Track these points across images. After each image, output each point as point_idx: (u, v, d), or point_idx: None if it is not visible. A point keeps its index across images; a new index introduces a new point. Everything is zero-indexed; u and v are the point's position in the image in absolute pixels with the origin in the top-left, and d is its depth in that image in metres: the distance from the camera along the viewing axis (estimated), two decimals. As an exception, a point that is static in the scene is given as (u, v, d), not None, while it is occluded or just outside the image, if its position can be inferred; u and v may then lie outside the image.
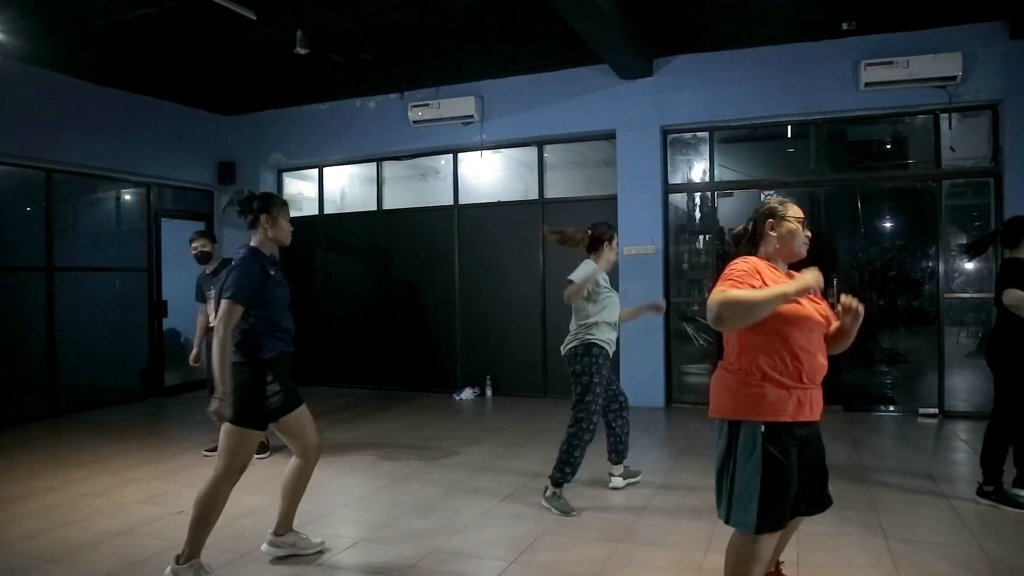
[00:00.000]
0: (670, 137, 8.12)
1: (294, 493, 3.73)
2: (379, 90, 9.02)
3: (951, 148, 7.29)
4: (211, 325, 5.84)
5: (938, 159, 7.33)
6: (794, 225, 2.88)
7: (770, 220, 2.92)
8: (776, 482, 2.57)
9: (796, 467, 2.63)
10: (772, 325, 2.64)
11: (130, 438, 6.75)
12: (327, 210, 9.88)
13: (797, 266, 2.80)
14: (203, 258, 6.00)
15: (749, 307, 2.55)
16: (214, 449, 5.85)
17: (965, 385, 7.39)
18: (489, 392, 8.65)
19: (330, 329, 9.32)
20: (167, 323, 9.33)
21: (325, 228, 9.76)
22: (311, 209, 10.01)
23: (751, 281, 2.65)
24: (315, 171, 9.92)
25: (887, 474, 5.21)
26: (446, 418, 7.55)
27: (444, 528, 4.17)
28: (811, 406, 2.68)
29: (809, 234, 2.91)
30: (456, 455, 5.93)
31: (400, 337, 9.14)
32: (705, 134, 8.00)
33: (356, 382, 9.21)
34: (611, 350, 4.70)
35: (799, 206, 2.94)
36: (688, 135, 8.16)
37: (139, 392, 8.91)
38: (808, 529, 4.01)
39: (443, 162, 9.27)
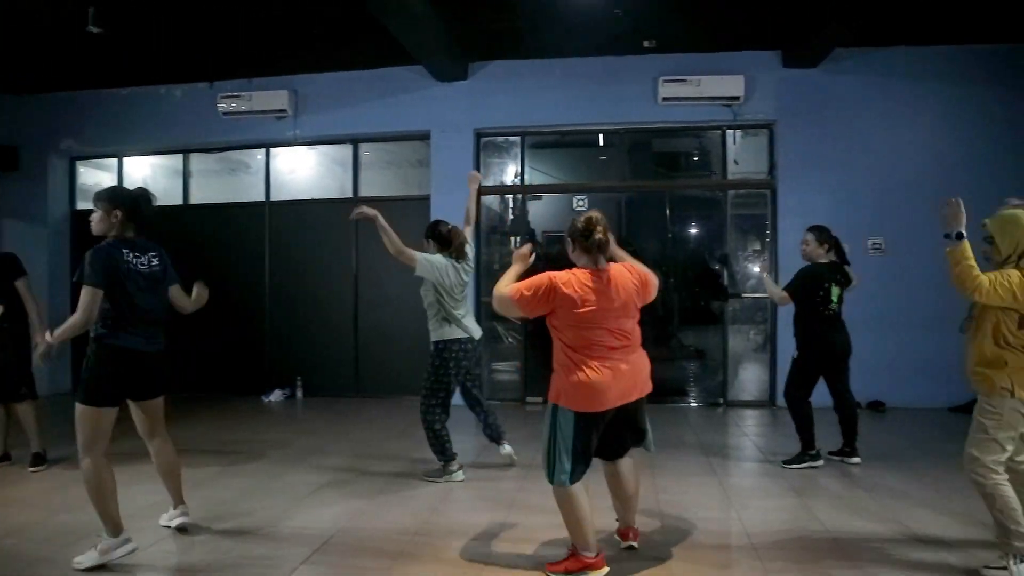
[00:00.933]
0: (483, 140, 8.30)
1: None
2: (186, 78, 8.54)
3: (735, 161, 7.98)
4: None
5: (725, 171, 7.99)
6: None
7: (570, 239, 3.41)
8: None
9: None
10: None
11: None
12: (127, 203, 9.20)
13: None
14: None
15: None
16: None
17: (746, 377, 8.08)
18: (300, 393, 8.42)
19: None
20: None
21: (124, 222, 9.08)
22: (109, 201, 9.28)
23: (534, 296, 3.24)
24: (114, 161, 9.22)
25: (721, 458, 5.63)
26: (253, 421, 7.26)
27: (242, 528, 4.03)
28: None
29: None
30: (261, 457, 5.71)
31: (205, 339, 8.63)
32: (517, 138, 8.25)
33: (157, 386, 8.64)
34: None
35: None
36: (501, 139, 8.37)
37: None
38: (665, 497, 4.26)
39: (249, 156, 8.92)
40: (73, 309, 3.52)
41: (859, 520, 4.04)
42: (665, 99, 7.64)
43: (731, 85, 7.54)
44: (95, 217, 3.69)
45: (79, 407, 3.54)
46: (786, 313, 7.65)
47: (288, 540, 3.85)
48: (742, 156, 8.03)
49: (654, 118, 7.89)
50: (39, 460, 5.34)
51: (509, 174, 8.46)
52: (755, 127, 7.94)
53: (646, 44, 7.71)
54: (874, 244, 7.46)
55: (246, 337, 8.66)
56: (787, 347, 7.56)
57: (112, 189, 3.91)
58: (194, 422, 7.14)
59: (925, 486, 4.70)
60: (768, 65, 7.70)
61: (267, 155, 8.71)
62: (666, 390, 8.09)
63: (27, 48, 7.64)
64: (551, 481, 3.23)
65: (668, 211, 8.31)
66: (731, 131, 7.95)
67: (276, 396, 8.31)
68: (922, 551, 3.57)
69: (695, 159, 8.55)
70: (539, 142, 8.44)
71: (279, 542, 3.83)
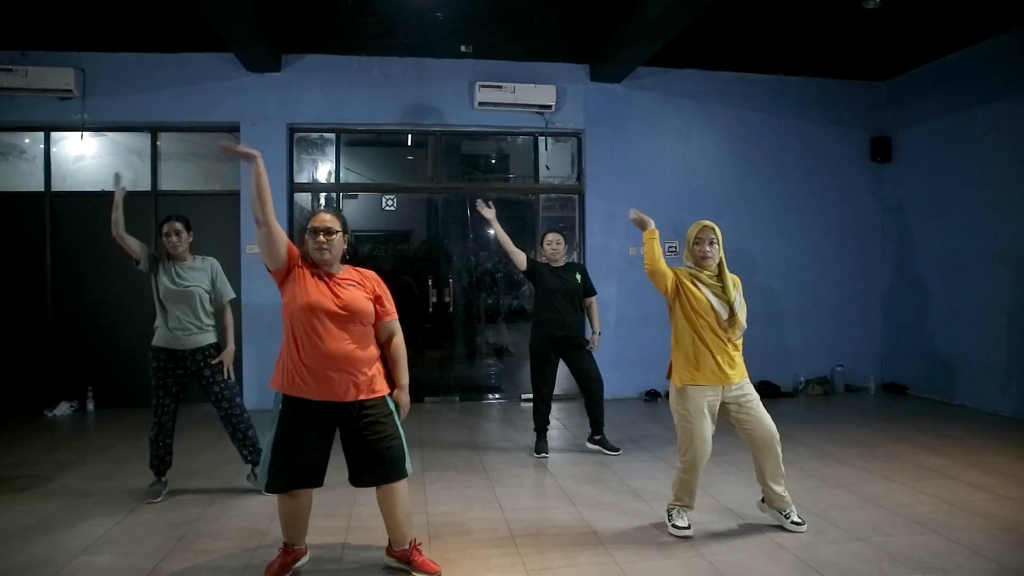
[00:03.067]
0: (297, 135, 8.03)
1: None
2: (-59, 45, 7.43)
3: (546, 167, 8.39)
4: None
5: (536, 175, 8.38)
6: (308, 237, 3.32)
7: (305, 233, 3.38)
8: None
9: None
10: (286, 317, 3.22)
11: None
12: None
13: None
14: None
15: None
16: None
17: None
18: (91, 405, 7.63)
19: None
20: None
21: None
22: None
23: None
24: None
25: (498, 453, 5.84)
26: (36, 439, 6.44)
27: (45, 565, 3.60)
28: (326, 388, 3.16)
29: (323, 239, 3.24)
30: (51, 481, 5.11)
31: (-30, 345, 7.63)
32: (332, 135, 8.08)
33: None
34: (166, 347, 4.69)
35: (328, 214, 3.34)
36: (315, 135, 8.15)
37: None
38: (435, 509, 4.35)
39: (28, 140, 7.94)
40: None
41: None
42: (481, 104, 7.85)
43: (544, 94, 7.91)
44: None
45: None
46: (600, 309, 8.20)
47: (105, 571, 3.56)
48: (553, 162, 8.45)
49: (470, 122, 8.08)
50: None
51: (323, 172, 8.26)
52: (565, 135, 8.40)
53: (463, 49, 7.88)
54: (670, 247, 8.17)
55: (22, 345, 7.69)
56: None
57: None
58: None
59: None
60: (577, 77, 8.18)
61: (47, 139, 7.78)
62: (478, 387, 8.38)
63: None
64: (410, 471, 3.38)
65: (472, 212, 8.53)
66: (543, 137, 8.34)
67: (62, 409, 7.47)
68: (730, 528, 4.04)
69: (508, 163, 8.86)
70: (354, 140, 8.32)
71: (95, 574, 3.54)
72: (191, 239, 4.73)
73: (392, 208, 8.25)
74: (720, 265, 3.89)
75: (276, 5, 6.79)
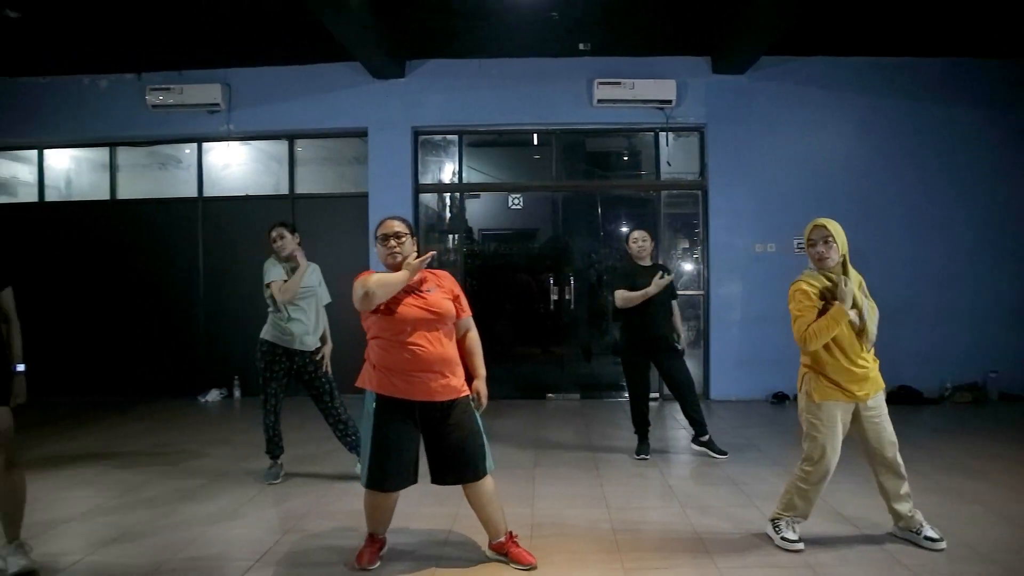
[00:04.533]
0: (421, 138, 8.33)
1: None
2: (112, 68, 8.27)
3: (668, 163, 8.24)
4: None
5: (658, 172, 8.24)
6: (378, 244, 3.39)
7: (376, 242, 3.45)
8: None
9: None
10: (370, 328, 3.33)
11: None
12: (49, 197, 8.85)
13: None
14: None
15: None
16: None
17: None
18: (237, 392, 8.30)
19: (51, 332, 8.35)
20: None
21: (46, 218, 8.74)
22: (29, 195, 8.90)
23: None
24: (33, 152, 8.85)
25: (613, 452, 5.79)
26: (189, 422, 7.14)
27: (184, 535, 3.96)
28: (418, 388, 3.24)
29: (393, 244, 3.31)
30: (198, 459, 5.65)
31: (137, 338, 8.45)
32: (455, 137, 8.31)
33: (85, 390, 8.37)
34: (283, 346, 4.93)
35: (394, 220, 3.41)
36: (438, 137, 8.42)
37: None
38: (540, 505, 4.39)
39: (186, 151, 8.72)
40: None
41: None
42: (600, 101, 7.82)
43: (664, 89, 7.78)
44: None
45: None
46: (720, 308, 8.02)
47: (235, 543, 3.86)
48: (674, 157, 8.29)
49: (589, 119, 8.07)
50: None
51: (447, 172, 8.51)
52: (686, 130, 8.21)
53: (581, 47, 7.88)
54: (799, 244, 7.80)
55: (180, 336, 8.48)
56: (720, 342, 7.97)
57: None
58: (127, 423, 7.01)
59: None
60: (698, 70, 7.97)
61: (199, 149, 8.52)
62: (600, 385, 8.34)
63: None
64: (491, 468, 3.44)
65: (602, 211, 8.53)
66: (664, 133, 8.20)
67: (213, 396, 8.18)
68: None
69: (629, 160, 8.77)
70: (476, 141, 8.52)
71: (226, 546, 3.84)
72: (297, 240, 4.99)
73: (519, 207, 8.38)
74: (844, 265, 3.64)
75: (396, 15, 7.07)
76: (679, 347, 5.64)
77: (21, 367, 3.49)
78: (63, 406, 7.76)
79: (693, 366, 8.31)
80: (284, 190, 8.40)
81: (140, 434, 6.61)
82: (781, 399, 7.80)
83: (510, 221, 8.58)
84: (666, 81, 7.78)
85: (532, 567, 3.42)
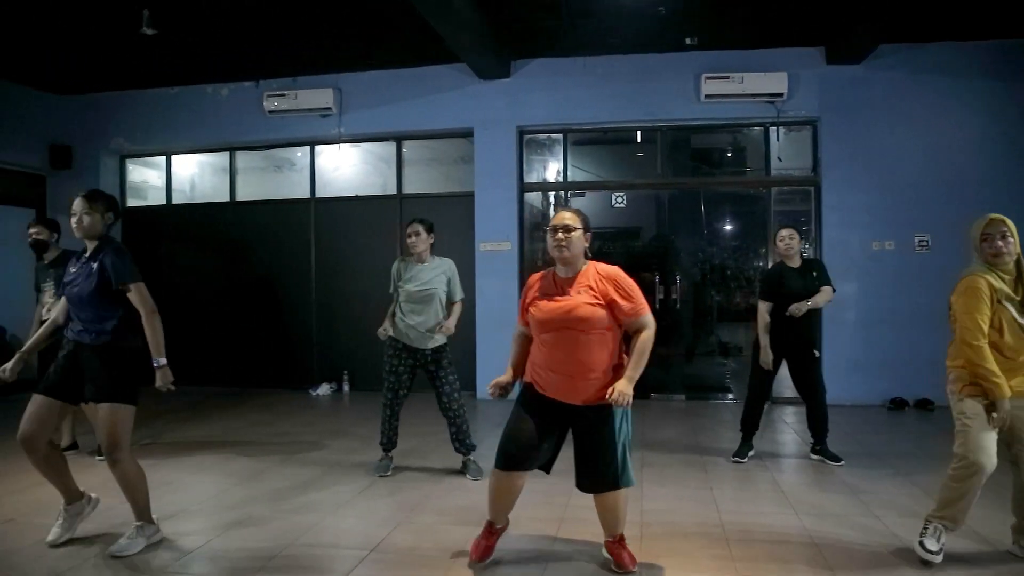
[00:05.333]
0: (526, 137, 8.37)
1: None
2: (233, 77, 8.72)
3: (779, 159, 7.98)
4: (44, 319, 5.53)
5: (768, 168, 8.00)
6: (548, 235, 3.28)
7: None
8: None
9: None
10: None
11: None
12: (175, 200, 9.42)
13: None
14: (38, 246, 5.57)
15: None
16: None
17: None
18: (347, 387, 8.58)
19: (176, 324, 8.82)
20: (-9, 318, 8.58)
21: (173, 219, 9.30)
22: (158, 199, 9.51)
23: (520, 305, 3.43)
24: (162, 158, 9.43)
25: (720, 455, 5.65)
26: (302, 414, 7.43)
27: (300, 523, 4.12)
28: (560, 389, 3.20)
29: (561, 237, 3.19)
30: (312, 450, 5.87)
31: (253, 333, 8.87)
32: (559, 135, 8.31)
33: (205, 380, 8.84)
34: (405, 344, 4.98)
35: (567, 211, 3.28)
36: (543, 136, 8.44)
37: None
38: (649, 505, 4.33)
39: (296, 154, 9.09)
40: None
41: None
42: (707, 96, 7.66)
43: (774, 82, 7.55)
44: (88, 218, 3.62)
45: (121, 408, 3.58)
46: (834, 309, 7.70)
47: (348, 533, 3.97)
48: (785, 152, 8.02)
49: (696, 115, 7.91)
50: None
51: (551, 171, 8.53)
52: (798, 124, 7.93)
53: (688, 41, 7.72)
54: (920, 241, 7.43)
55: (293, 331, 8.85)
56: (833, 344, 7.64)
57: (103, 192, 3.88)
58: (244, 413, 7.36)
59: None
60: (811, 62, 7.69)
61: (312, 152, 8.86)
62: (705, 387, 8.17)
63: (81, 50, 7.84)
64: (626, 484, 3.29)
65: (708, 208, 8.35)
66: (774, 128, 7.95)
67: (323, 390, 8.48)
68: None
69: (738, 156, 8.55)
70: (581, 139, 8.50)
71: (341, 535, 3.96)
72: (431, 241, 5.02)
73: (622, 205, 8.31)
74: (1018, 263, 3.40)
75: (502, 16, 7.13)
76: (817, 354, 5.37)
77: (161, 361, 3.67)
78: (186, 395, 8.18)
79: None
80: (392, 190, 8.62)
81: (258, 424, 6.92)
82: (899, 405, 7.43)
83: (613, 219, 8.51)
84: (777, 74, 7.55)
85: (629, 573, 3.36)
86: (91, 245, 3.70)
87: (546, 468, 3.39)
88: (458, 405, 4.99)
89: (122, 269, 3.60)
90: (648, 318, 3.23)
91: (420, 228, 4.95)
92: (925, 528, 3.50)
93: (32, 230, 5.59)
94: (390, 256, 8.46)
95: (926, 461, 5.31)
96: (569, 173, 8.36)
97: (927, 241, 7.43)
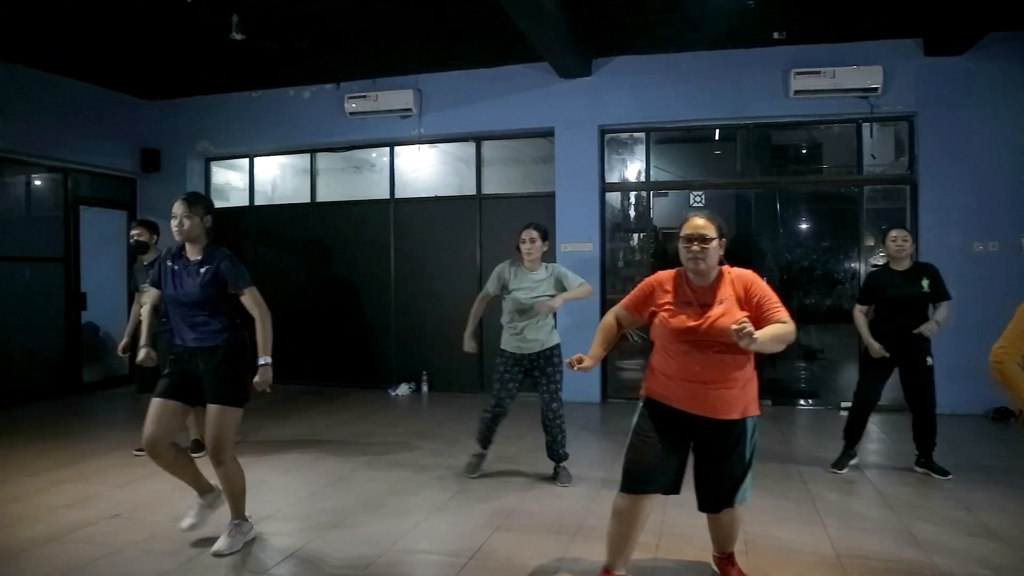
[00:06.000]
0: (607, 136, 8.24)
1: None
2: (314, 80, 8.82)
3: (872, 156, 7.67)
4: (142, 318, 5.69)
5: (860, 165, 7.70)
6: (680, 243, 3.06)
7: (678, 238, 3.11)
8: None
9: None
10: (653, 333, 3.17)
11: (47, 438, 6.38)
12: (257, 201, 9.60)
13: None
14: (139, 247, 5.75)
15: None
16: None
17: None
18: (425, 388, 8.61)
19: (259, 323, 9.04)
20: (86, 316, 8.89)
21: (255, 220, 9.49)
22: (240, 200, 9.72)
23: (636, 297, 3.22)
24: (245, 161, 9.62)
25: (815, 463, 5.45)
26: (382, 414, 7.48)
27: (396, 527, 4.12)
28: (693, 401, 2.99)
29: (696, 249, 2.98)
30: (398, 452, 5.89)
31: (332, 332, 8.97)
32: (642, 134, 8.16)
33: (286, 378, 8.97)
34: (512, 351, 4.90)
35: (702, 219, 3.05)
36: (625, 135, 8.30)
37: (54, 389, 8.43)
38: (750, 518, 4.15)
39: (376, 155, 9.17)
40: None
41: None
42: (797, 92, 7.39)
43: (868, 76, 7.24)
44: (188, 221, 3.66)
45: (229, 410, 3.65)
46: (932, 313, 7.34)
47: (445, 539, 3.95)
48: (878, 150, 7.71)
49: (784, 112, 7.66)
50: (199, 447, 5.61)
51: (632, 170, 8.39)
52: (893, 119, 7.61)
53: (776, 35, 7.47)
54: (1030, 241, 7.07)
55: (372, 331, 8.93)
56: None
57: (202, 195, 3.96)
58: (326, 413, 7.45)
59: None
60: (908, 53, 7.35)
61: (391, 153, 8.91)
62: (790, 391, 7.94)
63: (169, 57, 8.05)
64: (743, 500, 3.14)
65: (793, 207, 8.09)
66: (866, 124, 7.64)
67: (402, 390, 8.53)
68: None
69: (826, 154, 8.25)
70: (664, 138, 8.33)
71: (437, 541, 3.94)
72: (545, 248, 4.88)
73: (700, 204, 8.12)
74: None
75: (583, 13, 7.02)
76: (929, 362, 5.12)
77: (267, 360, 3.78)
78: (269, 393, 8.34)
79: (896, 374, 7.76)
80: (471, 191, 8.60)
81: (342, 424, 6.99)
82: (1004, 415, 7.06)
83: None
84: (871, 68, 7.23)
85: None
86: (192, 248, 3.75)
87: (675, 488, 3.12)
88: (556, 414, 4.89)
89: (239, 275, 3.72)
90: (785, 317, 2.99)
91: (536, 235, 4.81)
92: None
93: (134, 232, 5.76)
94: (469, 256, 8.55)
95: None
96: (652, 173, 8.19)
97: (1031, 241, 7.06)
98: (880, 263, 5.34)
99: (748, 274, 3.12)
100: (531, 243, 4.79)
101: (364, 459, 5.63)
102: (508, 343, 4.89)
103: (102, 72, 8.49)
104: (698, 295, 3.04)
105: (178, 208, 3.67)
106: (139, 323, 5.83)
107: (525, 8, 6.14)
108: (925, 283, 5.04)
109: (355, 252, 8.97)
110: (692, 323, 2.97)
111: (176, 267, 3.74)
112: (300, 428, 6.82)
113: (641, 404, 3.17)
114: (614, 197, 8.38)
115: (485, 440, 5.10)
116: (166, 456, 3.73)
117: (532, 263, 4.85)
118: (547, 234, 4.89)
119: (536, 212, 8.13)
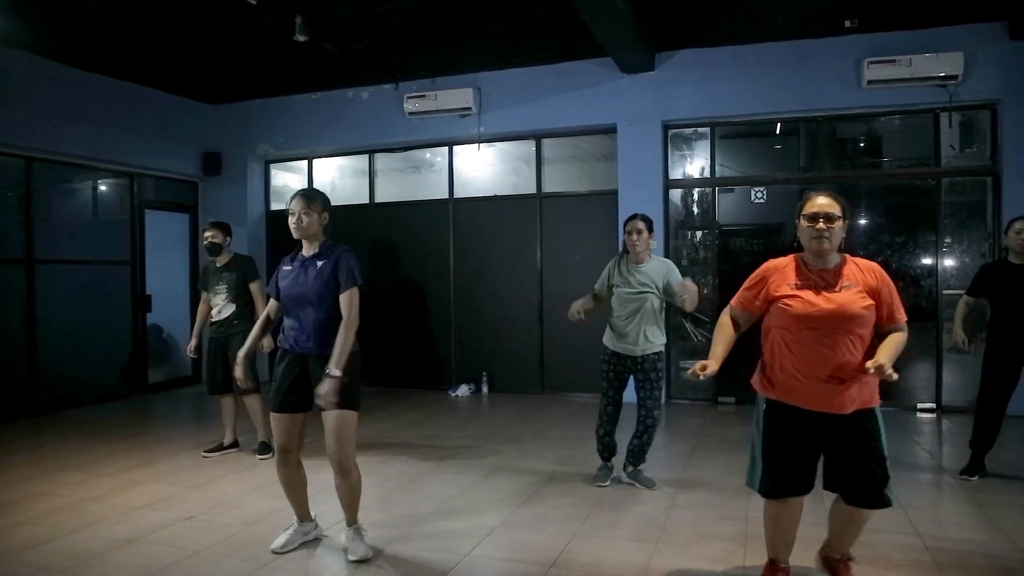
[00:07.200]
0: (671, 132, 8.06)
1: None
2: (373, 80, 8.81)
3: (951, 146, 7.35)
4: (213, 319, 5.71)
5: (937, 157, 7.38)
6: (803, 222, 2.91)
7: (796, 217, 2.97)
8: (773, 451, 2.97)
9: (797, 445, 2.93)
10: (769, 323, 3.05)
11: (119, 438, 6.47)
12: (316, 203, 9.63)
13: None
14: (213, 249, 5.76)
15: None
16: (215, 449, 5.73)
17: (959, 380, 7.44)
18: (485, 388, 8.53)
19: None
20: (150, 318, 9.03)
21: (314, 221, 9.51)
22: (299, 202, 9.76)
23: (749, 288, 3.11)
24: (304, 163, 9.67)
25: (901, 469, 5.19)
26: (445, 415, 7.42)
27: (471, 532, 4.04)
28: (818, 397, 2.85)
29: (823, 227, 2.85)
30: (464, 454, 5.81)
31: (393, 333, 8.95)
32: (706, 129, 7.95)
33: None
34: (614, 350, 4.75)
35: (826, 197, 2.92)
36: (689, 130, 8.10)
37: (121, 389, 8.57)
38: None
39: (433, 155, 9.13)
40: None
41: None
42: (870, 82, 7.10)
43: (948, 63, 6.91)
44: (307, 218, 3.58)
45: (348, 414, 3.55)
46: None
47: (525, 546, 3.85)
48: (958, 140, 7.38)
49: (857, 103, 7.37)
50: (265, 448, 5.64)
51: (694, 166, 8.18)
52: (975, 107, 7.26)
53: (847, 24, 7.22)
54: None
55: (432, 332, 8.88)
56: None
57: (320, 191, 3.84)
58: (390, 414, 7.42)
59: None
60: (991, 38, 6.99)
61: (450, 153, 8.85)
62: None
63: (232, 60, 8.13)
64: (887, 503, 3.02)
65: (868, 202, 7.79)
66: (945, 113, 7.31)
67: (462, 391, 8.46)
68: None
69: (901, 145, 7.92)
70: (730, 132, 8.10)
71: (518, 548, 3.84)
72: (652, 241, 4.72)
73: (762, 200, 7.89)
74: None
75: (648, 6, 6.86)
76: None
77: (337, 372, 3.45)
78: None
79: (975, 374, 7.34)
80: (531, 189, 8.49)
81: (407, 426, 6.95)
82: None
83: (754, 216, 8.09)
84: (951, 54, 6.90)
85: None
86: (309, 245, 3.68)
87: (811, 487, 3.01)
88: (653, 420, 4.70)
89: (351, 271, 3.60)
90: (905, 326, 2.95)
91: (642, 225, 4.63)
92: None
93: (208, 233, 5.78)
94: (529, 256, 8.44)
95: None
96: (716, 169, 7.97)
97: None
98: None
99: (876, 266, 2.99)
100: (637, 235, 4.61)
101: (432, 462, 5.56)
102: (609, 339, 4.75)
103: (166, 77, 8.62)
104: (823, 278, 2.90)
105: (296, 204, 3.59)
106: (204, 324, 5.91)
107: (596, 5, 6.01)
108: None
109: (414, 252, 8.94)
110: (819, 306, 2.83)
111: (293, 267, 3.67)
112: (365, 430, 6.75)
113: (763, 405, 3.03)
114: (677, 194, 8.18)
115: (605, 449, 4.91)
116: (290, 467, 3.71)
117: (639, 256, 4.67)
118: (652, 225, 4.72)
119: (598, 210, 8.05)
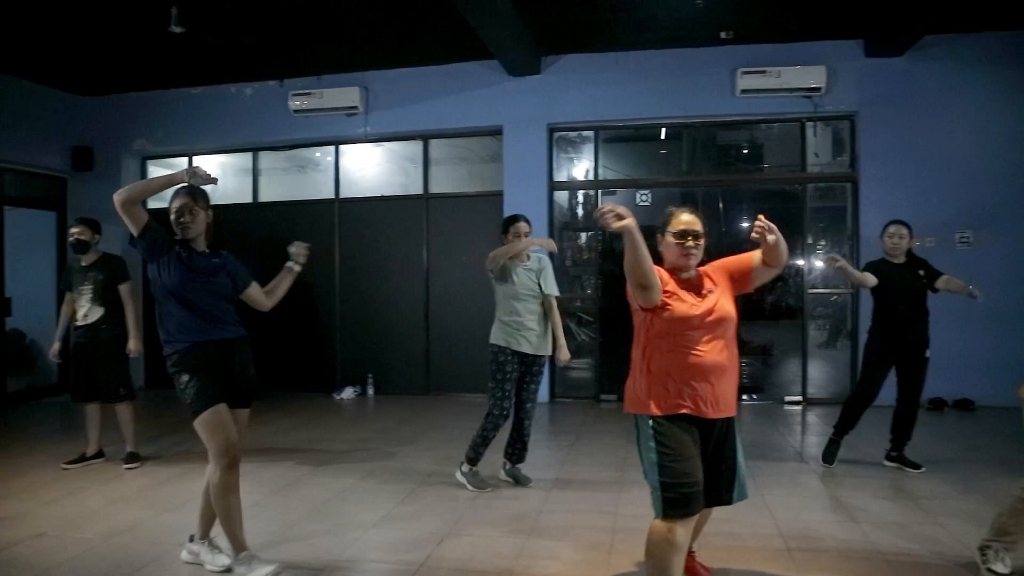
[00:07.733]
0: (556, 135, 8.20)
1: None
2: (257, 76, 8.58)
3: (815, 154, 7.80)
4: (79, 323, 5.37)
5: (803, 164, 7.81)
6: (670, 239, 2.92)
7: (659, 233, 2.99)
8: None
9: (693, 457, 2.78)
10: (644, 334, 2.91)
11: (-32, 453, 5.99)
12: (196, 202, 9.27)
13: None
14: (79, 247, 5.41)
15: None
16: (76, 461, 5.39)
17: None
18: (371, 391, 8.40)
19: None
20: (10, 323, 8.44)
21: (194, 220, 9.15)
22: (178, 200, 9.37)
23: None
24: (183, 160, 9.28)
25: (762, 459, 5.43)
26: (328, 419, 7.25)
27: (343, 534, 3.95)
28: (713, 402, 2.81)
29: (691, 244, 2.87)
30: (343, 457, 5.69)
31: (276, 336, 8.63)
32: (591, 133, 8.14)
33: (227, 384, 8.70)
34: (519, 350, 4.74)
35: (690, 214, 2.93)
36: (574, 133, 8.27)
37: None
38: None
39: (320, 154, 8.97)
40: None
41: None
42: (743, 91, 7.48)
43: (812, 75, 7.36)
44: (197, 218, 3.48)
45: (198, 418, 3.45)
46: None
47: (394, 547, 3.82)
48: (821, 148, 7.84)
49: (730, 111, 7.73)
50: (134, 458, 5.39)
51: (579, 169, 8.36)
52: (836, 118, 7.75)
53: (723, 35, 7.54)
54: (962, 238, 7.23)
55: (317, 334, 8.68)
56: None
57: (202, 189, 3.64)
58: (270, 420, 7.17)
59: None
60: (851, 54, 7.50)
61: (336, 152, 8.70)
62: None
63: (104, 51, 7.72)
64: (743, 498, 3.05)
65: (738, 205, 8.16)
66: (810, 123, 7.76)
67: (347, 394, 8.30)
68: None
69: (770, 152, 8.35)
70: (612, 136, 8.32)
71: (385, 548, 3.80)
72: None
73: (647, 203, 8.14)
74: None
75: (534, 10, 6.96)
76: (927, 355, 5.11)
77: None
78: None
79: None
80: (418, 190, 8.45)
81: (288, 430, 6.74)
82: (939, 405, 7.23)
83: (640, 218, 8.31)
84: (815, 67, 7.36)
85: None
86: (200, 244, 3.55)
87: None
88: (531, 417, 4.85)
89: (247, 273, 3.74)
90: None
91: (528, 228, 4.76)
92: (984, 552, 3.30)
93: (74, 230, 5.46)
94: (416, 256, 8.39)
95: (978, 466, 5.12)
96: (600, 171, 8.17)
97: (968, 238, 7.23)
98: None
99: (710, 264, 3.07)
100: (524, 236, 4.70)
101: (308, 467, 5.39)
102: (499, 336, 4.70)
103: (30, 65, 8.09)
104: (692, 286, 2.92)
105: (182, 202, 3.45)
106: (68, 326, 5.56)
107: (480, 7, 6.05)
108: (922, 273, 5.08)
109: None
110: (700, 308, 2.83)
111: (193, 259, 3.47)
112: (246, 434, 6.54)
113: (649, 423, 2.81)
114: (562, 196, 8.33)
115: (511, 453, 4.95)
116: (237, 472, 3.52)
117: (520, 255, 4.73)
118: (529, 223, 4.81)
119: (484, 211, 8.08)
